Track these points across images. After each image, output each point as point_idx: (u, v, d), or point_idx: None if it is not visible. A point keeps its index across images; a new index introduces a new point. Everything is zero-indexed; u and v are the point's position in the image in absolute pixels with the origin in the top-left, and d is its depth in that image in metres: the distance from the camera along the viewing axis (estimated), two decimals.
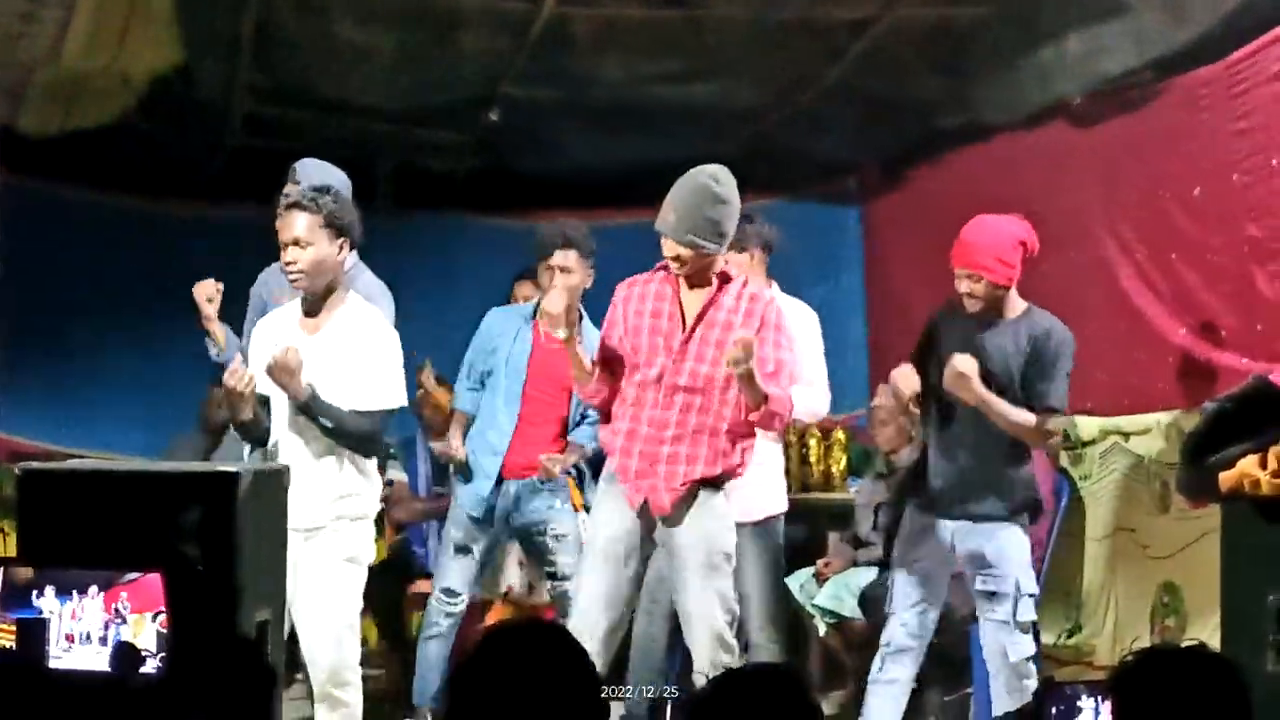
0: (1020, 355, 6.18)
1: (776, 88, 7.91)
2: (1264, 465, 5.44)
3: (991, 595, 6.19)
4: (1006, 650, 6.15)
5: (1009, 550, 6.24)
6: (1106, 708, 3.58)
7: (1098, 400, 7.47)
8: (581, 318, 6.55)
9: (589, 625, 5.64)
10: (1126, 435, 7.22)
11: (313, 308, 5.65)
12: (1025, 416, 6.10)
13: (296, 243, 5.53)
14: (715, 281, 5.83)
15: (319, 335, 5.63)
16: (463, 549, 7.01)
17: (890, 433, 7.82)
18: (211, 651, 3.48)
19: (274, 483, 5.20)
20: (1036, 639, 7.34)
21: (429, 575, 7.75)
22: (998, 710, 6.23)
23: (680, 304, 5.83)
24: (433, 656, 7.04)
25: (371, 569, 5.82)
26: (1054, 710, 3.55)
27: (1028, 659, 6.19)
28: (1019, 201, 7.91)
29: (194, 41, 7.08)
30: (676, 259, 5.74)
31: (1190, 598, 6.72)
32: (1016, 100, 7.56)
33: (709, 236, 5.72)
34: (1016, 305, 6.25)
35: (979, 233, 6.24)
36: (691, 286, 5.83)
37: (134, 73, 7.19)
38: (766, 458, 6.71)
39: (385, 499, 8.32)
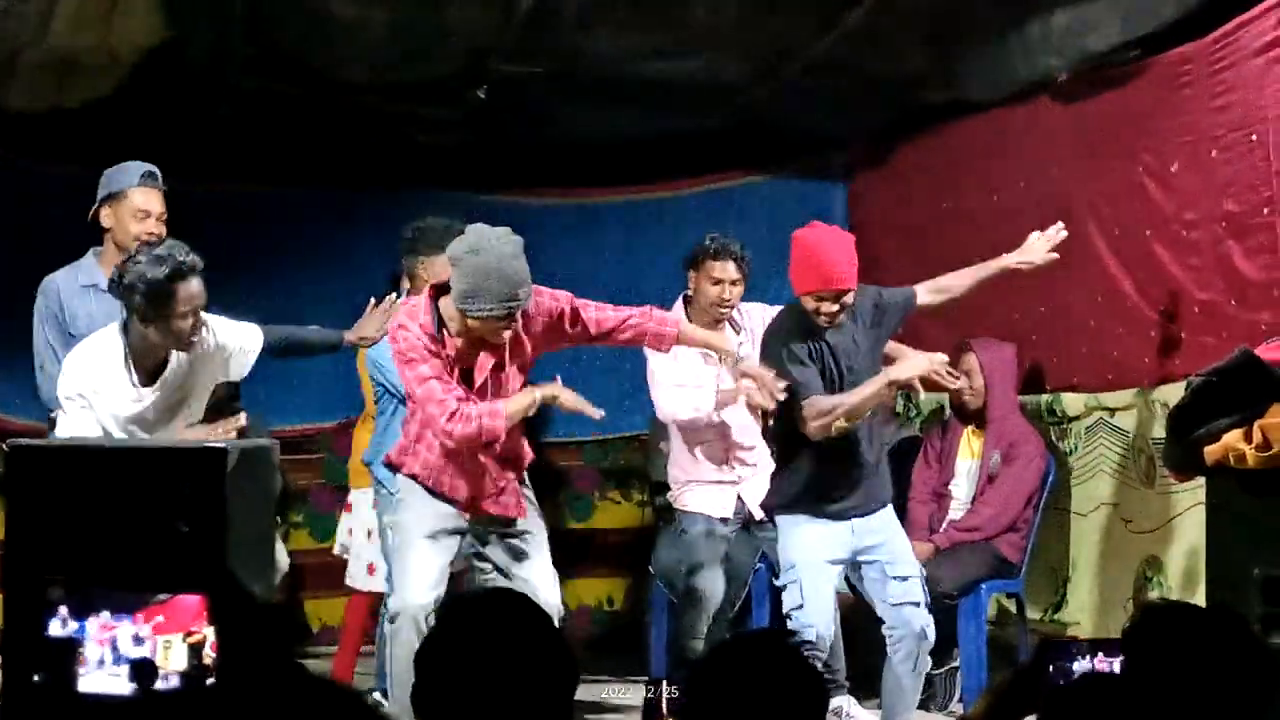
0: (865, 331, 6.39)
1: (762, 62, 7.90)
2: (1249, 439, 5.47)
3: (905, 579, 6.37)
4: (925, 631, 6.35)
5: (905, 537, 6.59)
6: (1102, 664, 3.61)
7: (1082, 376, 7.50)
8: None
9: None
10: (1111, 410, 7.25)
11: (157, 359, 5.75)
12: (878, 382, 6.27)
13: (200, 310, 5.66)
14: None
15: (165, 380, 5.77)
16: None
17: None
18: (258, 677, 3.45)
19: (261, 458, 5.22)
20: (1022, 613, 7.41)
21: None
22: (908, 691, 6.41)
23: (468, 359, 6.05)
24: None
25: None
26: (1051, 668, 3.58)
27: None
28: (1003, 177, 7.97)
29: (183, 17, 7.06)
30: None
31: (1175, 572, 6.75)
32: (1002, 76, 7.56)
33: None
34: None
35: (835, 249, 6.30)
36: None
37: (123, 49, 7.16)
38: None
39: None
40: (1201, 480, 6.01)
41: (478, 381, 5.98)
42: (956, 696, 7.36)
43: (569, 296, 6.14)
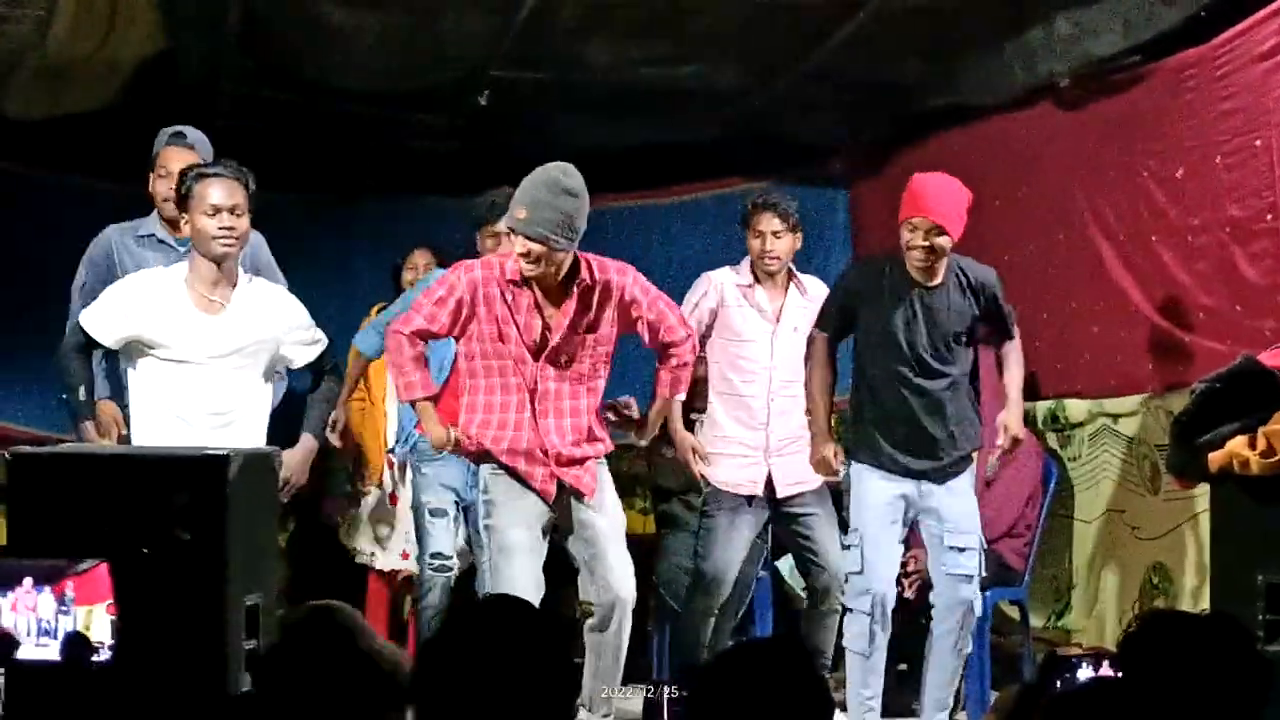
0: (970, 307, 6.35)
1: (760, 70, 7.89)
2: (1253, 445, 5.46)
3: (962, 550, 6.33)
4: (973, 605, 6.33)
5: (973, 505, 6.46)
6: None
7: (1086, 382, 7.49)
8: None
9: None
10: (1115, 417, 7.24)
11: (216, 283, 5.76)
12: (1019, 375, 6.46)
13: (234, 210, 5.72)
14: (574, 291, 5.89)
15: (225, 315, 5.75)
16: (440, 512, 7.08)
17: None
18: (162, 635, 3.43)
19: (264, 466, 5.22)
20: (1025, 621, 7.39)
21: None
22: (944, 668, 6.41)
23: (541, 314, 5.89)
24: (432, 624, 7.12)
25: None
26: (1058, 683, 3.56)
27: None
28: (1005, 183, 7.94)
29: (180, 25, 7.06)
30: (527, 254, 5.75)
31: (1180, 578, 6.74)
32: (1003, 82, 7.55)
33: (561, 232, 5.75)
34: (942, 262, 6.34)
35: (938, 186, 6.30)
36: (546, 293, 5.89)
37: (122, 58, 7.16)
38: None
39: None
40: (1207, 487, 6.00)
41: (550, 336, 5.88)
42: (960, 705, 7.33)
43: (646, 291, 6.06)
